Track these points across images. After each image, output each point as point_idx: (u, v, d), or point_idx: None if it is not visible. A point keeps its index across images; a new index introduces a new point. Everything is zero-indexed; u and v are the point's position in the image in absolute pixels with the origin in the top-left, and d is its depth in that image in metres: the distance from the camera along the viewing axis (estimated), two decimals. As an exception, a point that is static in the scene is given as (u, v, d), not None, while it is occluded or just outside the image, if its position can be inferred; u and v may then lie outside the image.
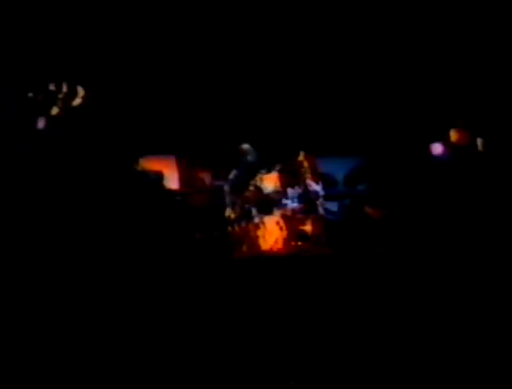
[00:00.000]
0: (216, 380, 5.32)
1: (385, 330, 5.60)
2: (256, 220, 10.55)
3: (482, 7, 9.75)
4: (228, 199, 10.66)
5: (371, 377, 5.34)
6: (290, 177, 10.74)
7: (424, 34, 10.17)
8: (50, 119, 9.84)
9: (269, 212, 10.63)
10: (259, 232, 10.49)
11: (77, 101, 10.00)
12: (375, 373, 5.37)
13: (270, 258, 10.11)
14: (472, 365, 5.14)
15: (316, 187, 10.75)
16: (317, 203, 10.73)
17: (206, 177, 10.94)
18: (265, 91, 10.57)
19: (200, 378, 5.35)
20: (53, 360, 5.38)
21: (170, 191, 11.13)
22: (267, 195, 10.78)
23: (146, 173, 11.00)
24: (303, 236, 10.49)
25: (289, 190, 10.68)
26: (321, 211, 10.76)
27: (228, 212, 10.66)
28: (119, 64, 10.41)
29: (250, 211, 10.64)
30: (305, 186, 10.72)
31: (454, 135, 10.03)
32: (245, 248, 10.59)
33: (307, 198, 10.68)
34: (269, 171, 10.88)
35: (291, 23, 10.50)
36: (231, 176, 10.89)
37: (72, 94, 9.98)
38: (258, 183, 10.82)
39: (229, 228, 10.61)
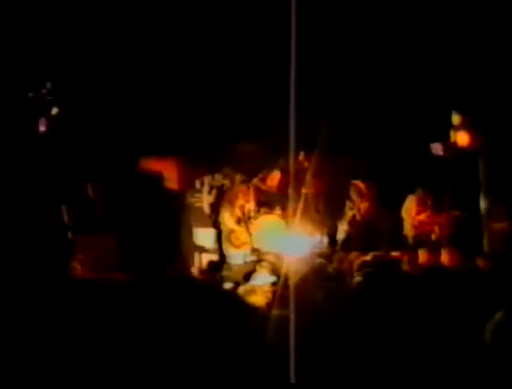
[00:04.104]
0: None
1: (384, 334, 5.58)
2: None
3: (482, 7, 9.74)
4: None
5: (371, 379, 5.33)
6: (290, 177, 10.73)
7: (424, 36, 10.16)
8: (50, 119, 9.85)
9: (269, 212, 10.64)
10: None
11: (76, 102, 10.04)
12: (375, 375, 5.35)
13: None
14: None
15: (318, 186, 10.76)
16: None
17: (206, 177, 10.93)
18: (265, 92, 10.56)
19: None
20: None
21: (170, 191, 11.13)
22: (267, 195, 10.79)
23: (146, 173, 11.01)
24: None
25: (290, 190, 10.67)
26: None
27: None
28: (119, 65, 10.41)
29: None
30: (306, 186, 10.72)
31: (454, 135, 10.03)
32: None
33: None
34: (269, 171, 10.88)
35: (291, 24, 10.48)
36: None
37: (72, 94, 10.01)
38: (258, 183, 10.82)
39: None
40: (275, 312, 5.66)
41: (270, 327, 5.29)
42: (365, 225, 10.55)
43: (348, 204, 10.65)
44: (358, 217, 10.58)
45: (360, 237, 10.40)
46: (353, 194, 10.64)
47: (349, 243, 10.33)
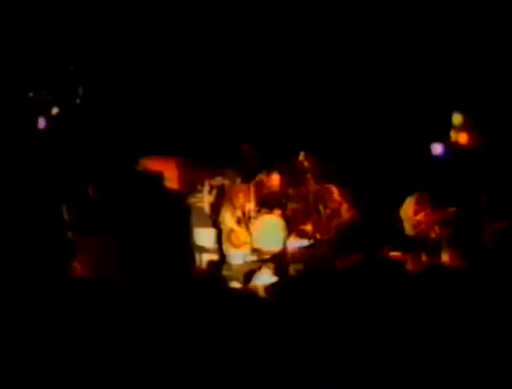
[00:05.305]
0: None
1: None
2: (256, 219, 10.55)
3: (482, 7, 9.75)
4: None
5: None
6: (290, 176, 10.73)
7: (425, 36, 10.18)
8: (50, 119, 9.85)
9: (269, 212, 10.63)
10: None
11: (77, 101, 10.02)
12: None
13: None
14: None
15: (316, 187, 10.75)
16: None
17: (207, 177, 10.92)
18: (265, 92, 10.57)
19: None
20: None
21: (170, 191, 11.11)
22: (267, 195, 10.78)
23: (146, 173, 11.00)
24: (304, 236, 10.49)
25: (290, 190, 10.68)
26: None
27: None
28: (119, 64, 10.41)
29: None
30: (306, 186, 10.72)
31: (454, 135, 10.03)
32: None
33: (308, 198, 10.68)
34: (269, 171, 10.88)
35: (291, 24, 10.50)
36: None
37: (72, 94, 9.99)
38: (259, 183, 10.82)
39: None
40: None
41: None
42: (351, 227, 10.58)
43: (328, 209, 10.66)
44: (339, 220, 10.61)
45: (349, 239, 10.43)
46: (327, 199, 10.67)
47: (340, 245, 10.34)
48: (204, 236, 10.70)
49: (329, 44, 10.58)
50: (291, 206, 10.57)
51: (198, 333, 5.72)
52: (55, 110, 9.87)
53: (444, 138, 10.11)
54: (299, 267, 9.66)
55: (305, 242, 10.36)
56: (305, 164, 10.71)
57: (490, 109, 9.81)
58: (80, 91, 9.99)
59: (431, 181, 10.43)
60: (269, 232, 10.41)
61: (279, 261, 9.67)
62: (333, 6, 10.35)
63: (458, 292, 6.08)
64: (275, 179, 10.77)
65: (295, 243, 10.30)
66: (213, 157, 10.85)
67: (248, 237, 10.43)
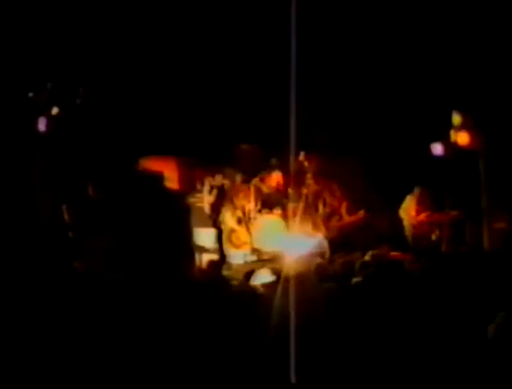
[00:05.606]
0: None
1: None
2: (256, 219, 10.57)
3: (482, 7, 9.76)
4: None
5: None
6: (290, 177, 10.75)
7: (424, 36, 10.19)
8: (50, 119, 9.86)
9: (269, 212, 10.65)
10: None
11: (77, 101, 10.03)
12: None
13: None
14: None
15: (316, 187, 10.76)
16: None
17: (206, 177, 10.95)
18: (265, 92, 10.57)
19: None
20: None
21: (170, 191, 11.13)
22: (267, 195, 10.79)
23: (146, 173, 11.02)
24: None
25: (290, 190, 10.69)
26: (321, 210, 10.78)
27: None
28: (119, 64, 10.42)
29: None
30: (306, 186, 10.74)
31: (454, 135, 10.04)
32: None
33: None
34: (269, 171, 10.90)
35: (290, 24, 10.49)
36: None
37: (72, 94, 10.00)
38: (259, 183, 10.83)
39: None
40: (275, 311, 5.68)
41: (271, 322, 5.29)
42: (351, 226, 10.59)
43: (328, 207, 10.68)
44: (340, 219, 10.63)
45: (349, 238, 10.44)
46: (327, 196, 10.68)
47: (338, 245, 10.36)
48: (204, 236, 10.72)
49: (330, 44, 10.60)
50: (291, 206, 10.59)
51: (198, 332, 5.72)
52: (55, 110, 9.88)
53: (444, 138, 10.12)
54: (299, 267, 9.66)
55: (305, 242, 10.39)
56: (305, 164, 10.73)
57: (490, 109, 9.81)
58: (80, 91, 9.99)
59: (431, 181, 10.44)
60: (269, 232, 10.43)
61: (278, 261, 9.68)
62: (332, 5, 10.36)
63: (458, 292, 6.09)
64: (275, 179, 10.80)
65: (295, 243, 10.31)
66: (212, 157, 10.87)
67: (248, 237, 10.46)
